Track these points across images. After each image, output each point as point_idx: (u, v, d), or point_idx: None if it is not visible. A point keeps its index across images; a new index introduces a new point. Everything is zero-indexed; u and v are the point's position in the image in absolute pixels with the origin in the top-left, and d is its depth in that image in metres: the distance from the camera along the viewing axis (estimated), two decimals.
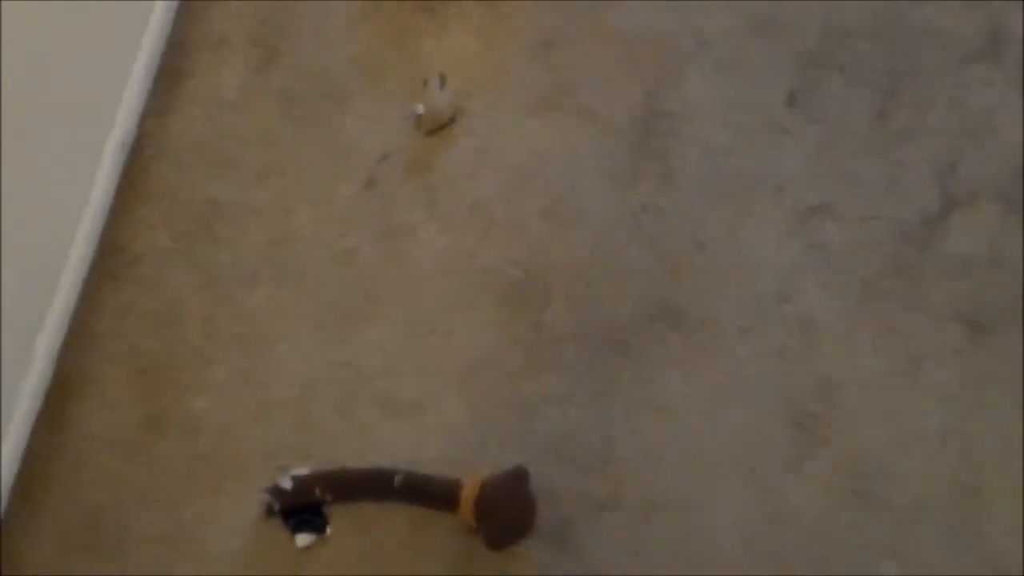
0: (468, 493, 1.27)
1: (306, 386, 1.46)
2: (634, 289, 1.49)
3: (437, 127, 1.63)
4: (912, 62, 1.60)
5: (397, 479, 1.32)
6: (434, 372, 1.45)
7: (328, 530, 1.34)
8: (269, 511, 1.33)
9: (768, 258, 1.49)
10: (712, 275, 1.49)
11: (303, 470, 1.35)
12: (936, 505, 1.30)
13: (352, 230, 1.59)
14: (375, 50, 1.72)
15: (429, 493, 1.31)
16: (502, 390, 1.44)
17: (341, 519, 1.33)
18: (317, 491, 1.33)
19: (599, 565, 1.29)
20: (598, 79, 1.63)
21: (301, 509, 1.32)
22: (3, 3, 1.27)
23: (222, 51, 1.75)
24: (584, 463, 1.38)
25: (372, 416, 1.43)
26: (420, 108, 1.61)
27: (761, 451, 1.38)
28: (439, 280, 1.52)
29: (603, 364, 1.44)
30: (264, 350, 1.49)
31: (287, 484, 1.32)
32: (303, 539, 1.32)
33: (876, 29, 1.62)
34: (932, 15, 1.62)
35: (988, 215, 1.47)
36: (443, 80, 1.62)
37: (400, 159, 1.62)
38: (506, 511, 1.29)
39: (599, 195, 1.55)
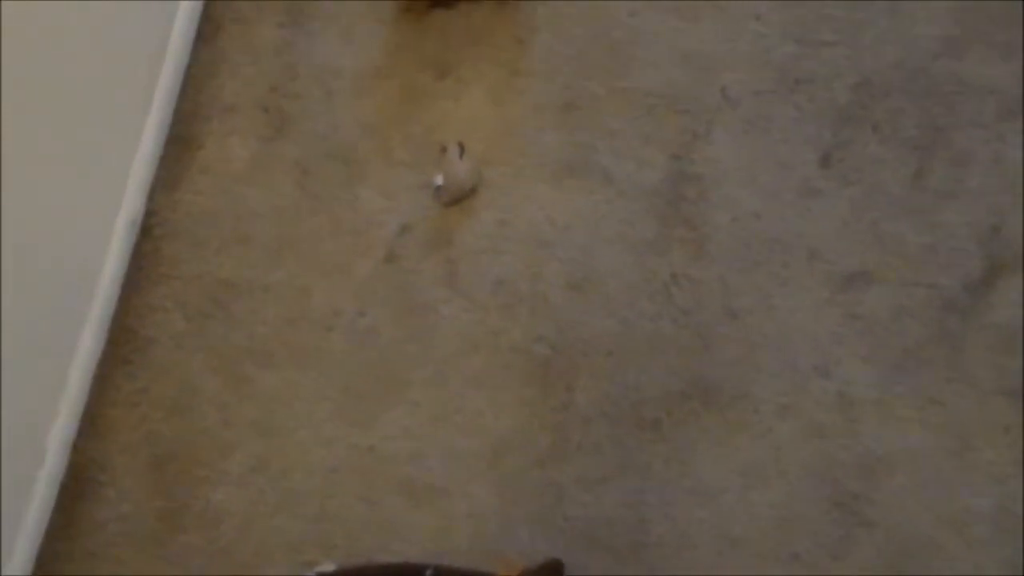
0: None
1: (328, 473, 1.46)
2: (665, 364, 1.49)
3: (457, 198, 1.62)
4: (948, 118, 1.59)
5: (428, 574, 1.31)
6: (460, 456, 1.46)
7: None
8: None
9: (804, 328, 1.48)
10: (746, 348, 1.48)
11: (329, 566, 1.34)
12: None
13: (371, 308, 1.58)
14: (389, 115, 1.75)
15: None
16: (531, 474, 1.44)
17: None
18: None
19: None
20: (621, 143, 1.64)
21: None
22: (4, 74, 1.26)
23: (231, 119, 1.75)
24: (618, 549, 1.39)
25: (397, 504, 1.44)
26: (439, 180, 1.61)
27: (803, 534, 1.36)
28: (463, 359, 1.52)
29: (635, 445, 1.44)
30: (283, 436, 1.49)
31: None
32: None
33: (909, 84, 1.61)
34: (967, 68, 1.61)
35: None
36: (462, 149, 1.62)
37: (420, 232, 1.61)
38: None
39: (626, 266, 1.56)
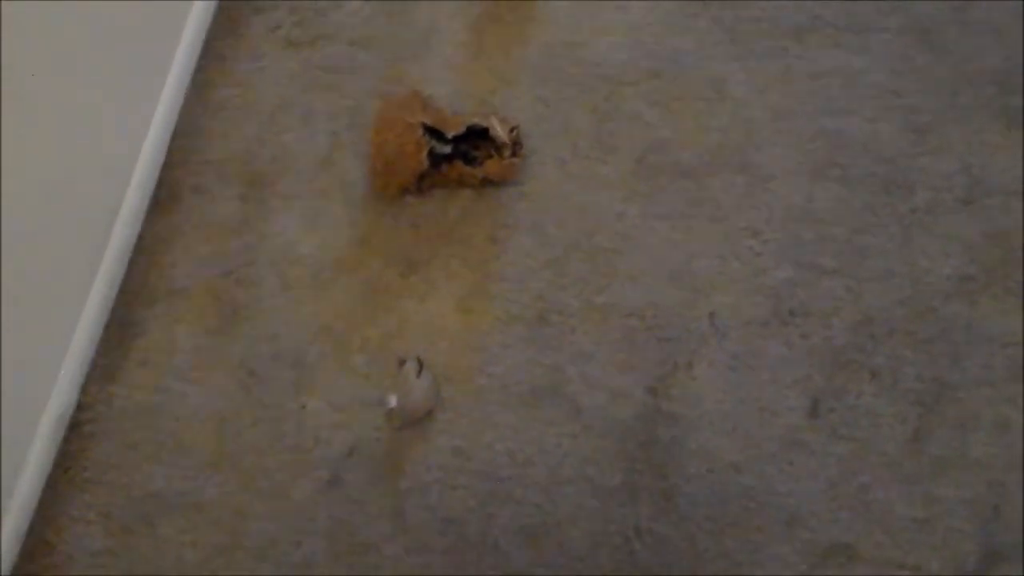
0: None
1: None
2: None
3: (411, 422, 1.60)
4: (955, 371, 1.58)
5: None
6: None
7: None
8: None
9: None
10: None
11: None
12: None
13: (309, 538, 1.59)
14: (347, 315, 1.81)
15: None
16: None
17: None
18: None
19: None
20: (595, 368, 1.69)
21: None
22: None
23: (180, 304, 1.77)
24: None
25: None
26: (393, 401, 1.61)
27: None
28: None
29: None
30: None
31: None
32: None
33: (915, 327, 1.64)
34: (979, 315, 1.64)
35: None
36: (421, 366, 1.62)
37: (368, 456, 1.64)
38: None
39: (587, 513, 1.59)
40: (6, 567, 1.65)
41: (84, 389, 1.80)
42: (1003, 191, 1.73)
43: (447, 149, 1.74)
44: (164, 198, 1.93)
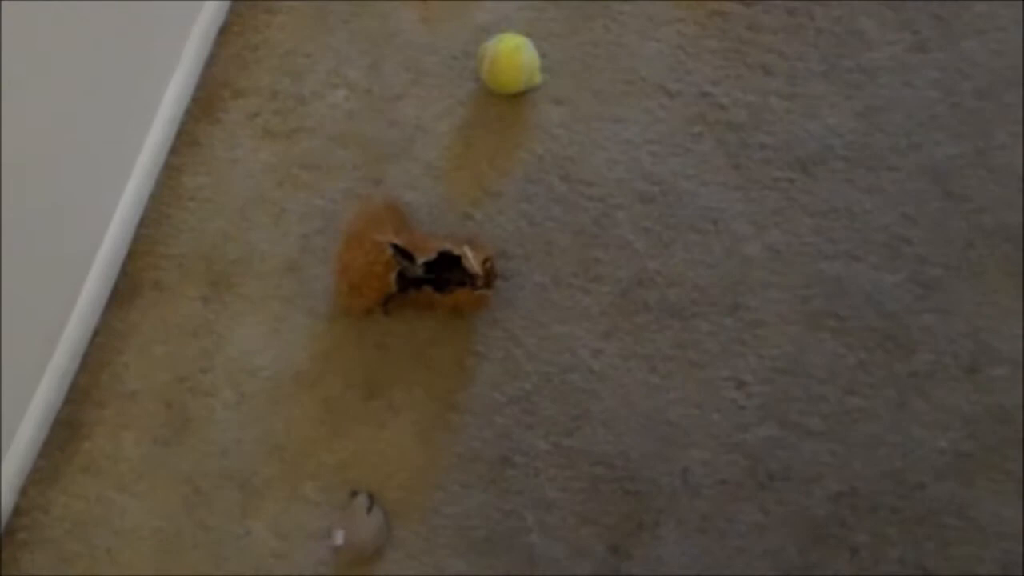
0: None
1: None
2: None
3: (358, 560, 1.60)
4: (940, 560, 1.65)
5: None
6: None
7: None
8: None
9: None
10: None
11: None
12: None
13: None
14: (302, 437, 1.83)
15: None
16: None
17: None
18: None
19: None
20: (556, 519, 1.72)
21: None
22: None
23: (130, 409, 1.78)
24: None
25: None
26: (340, 537, 1.62)
27: None
28: None
29: None
30: None
31: None
32: None
33: (903, 503, 1.68)
34: (974, 499, 1.66)
35: None
36: (372, 502, 1.63)
37: None
38: None
39: None
40: None
41: (23, 492, 1.80)
42: (1010, 362, 1.69)
43: (418, 271, 1.72)
44: (124, 291, 1.93)
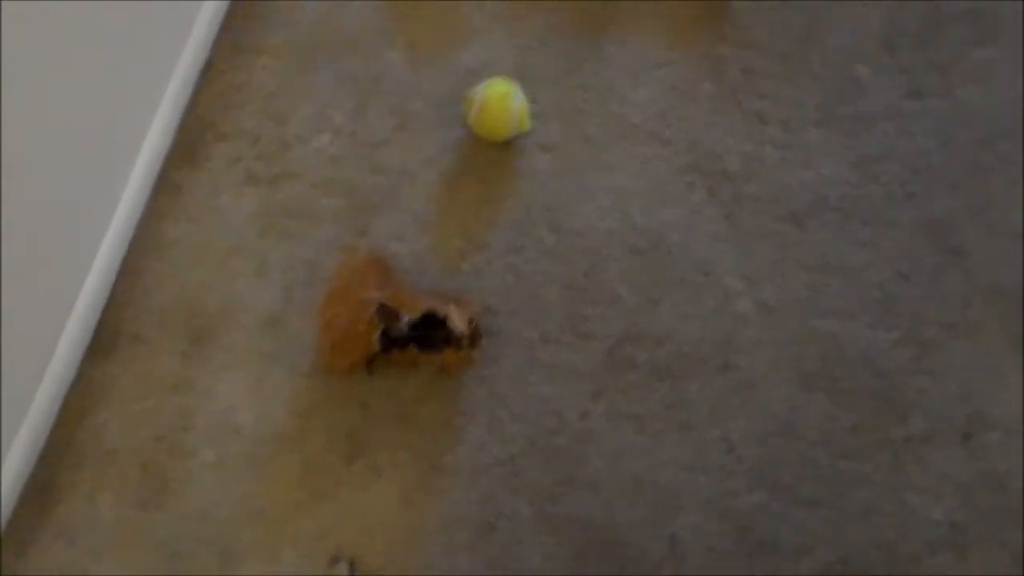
0: None
1: None
2: None
3: None
4: None
5: None
6: None
7: None
8: None
9: None
10: None
11: None
12: None
13: None
14: (283, 501, 1.81)
15: None
16: None
17: None
18: None
19: None
20: None
21: None
22: None
23: (106, 469, 1.76)
24: None
25: None
26: None
27: None
28: None
29: None
30: None
31: None
32: None
33: None
34: (968, 572, 1.53)
35: None
36: (353, 569, 1.60)
37: None
38: None
39: None
40: None
41: None
42: (1006, 428, 1.66)
43: (402, 330, 1.70)
44: (102, 344, 1.90)
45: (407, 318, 1.74)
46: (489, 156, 1.96)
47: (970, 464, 1.68)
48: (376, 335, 1.75)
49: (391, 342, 1.77)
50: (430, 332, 1.76)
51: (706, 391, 1.78)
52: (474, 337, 1.72)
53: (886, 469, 1.70)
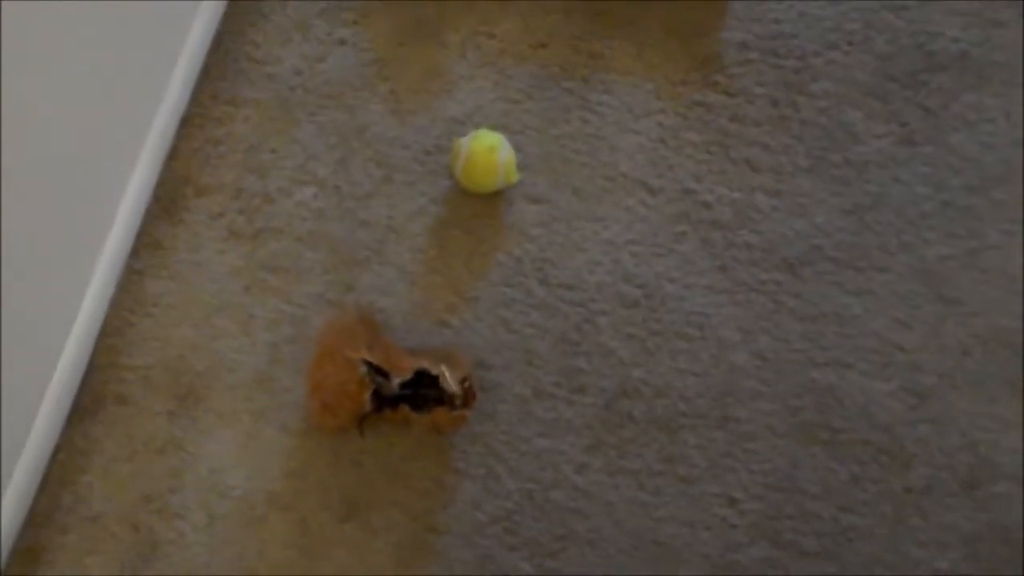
0: None
1: None
2: None
3: None
4: None
5: None
6: None
7: None
8: None
9: None
10: None
11: None
12: None
13: None
14: (276, 560, 1.78)
15: None
16: None
17: None
18: None
19: None
20: None
21: None
22: None
23: (93, 534, 1.76)
24: None
25: None
26: None
27: None
28: None
29: None
30: None
31: None
32: None
33: None
34: None
35: None
36: None
37: None
38: None
39: None
40: None
41: None
42: (1010, 477, 1.66)
43: (394, 390, 1.68)
44: (85, 406, 1.88)
45: (398, 379, 1.72)
46: (476, 208, 1.95)
47: (974, 515, 1.68)
48: (367, 395, 1.73)
49: (383, 402, 1.75)
50: (422, 390, 1.74)
51: (704, 445, 1.77)
52: (467, 397, 1.71)
53: (888, 521, 1.70)
